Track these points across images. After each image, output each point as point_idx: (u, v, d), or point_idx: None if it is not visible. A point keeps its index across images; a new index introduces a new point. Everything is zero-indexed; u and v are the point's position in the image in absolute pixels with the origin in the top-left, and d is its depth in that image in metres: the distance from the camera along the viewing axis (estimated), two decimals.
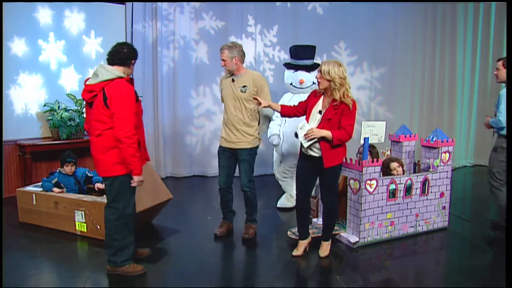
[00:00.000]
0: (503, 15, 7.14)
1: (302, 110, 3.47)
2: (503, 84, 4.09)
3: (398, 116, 7.13)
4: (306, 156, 3.36)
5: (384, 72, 7.11)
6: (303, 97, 4.43)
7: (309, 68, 4.82)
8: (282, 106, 3.61)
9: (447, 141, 4.07)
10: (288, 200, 5.02)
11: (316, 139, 3.22)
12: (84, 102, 3.18)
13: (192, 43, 6.40)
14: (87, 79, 3.04)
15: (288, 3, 6.62)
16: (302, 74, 4.83)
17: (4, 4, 4.93)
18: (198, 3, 6.31)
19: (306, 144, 3.26)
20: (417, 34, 7.17)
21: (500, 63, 4.04)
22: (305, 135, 3.23)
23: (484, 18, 7.32)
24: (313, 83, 4.74)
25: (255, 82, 3.72)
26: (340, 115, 3.19)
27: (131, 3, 6.07)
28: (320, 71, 3.22)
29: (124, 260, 3.11)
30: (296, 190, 3.50)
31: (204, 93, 6.56)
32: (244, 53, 3.78)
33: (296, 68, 4.87)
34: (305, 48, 4.94)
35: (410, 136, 4.36)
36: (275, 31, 6.64)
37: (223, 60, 3.70)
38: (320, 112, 3.29)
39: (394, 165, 3.99)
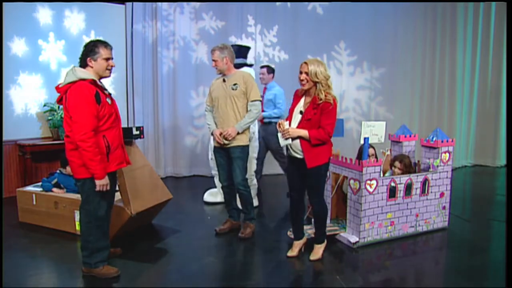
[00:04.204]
0: (503, 15, 7.15)
1: None
2: (273, 85, 5.28)
3: (398, 116, 7.13)
4: (291, 157, 3.34)
5: (384, 72, 7.12)
6: None
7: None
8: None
9: (447, 141, 4.07)
10: (211, 194, 5.18)
11: (291, 139, 3.19)
12: None
13: (192, 43, 6.40)
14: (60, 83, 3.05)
15: (288, 3, 6.63)
16: None
17: (4, 4, 4.93)
18: (198, 3, 6.32)
19: (282, 143, 3.24)
20: (417, 34, 7.18)
21: (265, 70, 5.27)
22: (282, 134, 3.20)
23: (484, 18, 7.32)
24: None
25: (245, 79, 3.85)
26: (320, 114, 3.14)
27: (131, 3, 6.08)
28: (306, 72, 3.14)
29: (97, 261, 3.10)
30: (289, 190, 3.51)
31: (204, 94, 6.55)
32: (234, 54, 3.93)
33: None
34: (232, 47, 5.01)
35: (410, 136, 4.36)
36: (275, 31, 6.64)
37: (214, 60, 3.85)
38: (301, 112, 3.25)
39: (396, 163, 4.03)
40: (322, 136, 3.14)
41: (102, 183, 2.92)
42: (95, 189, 2.94)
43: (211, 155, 5.03)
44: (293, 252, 3.52)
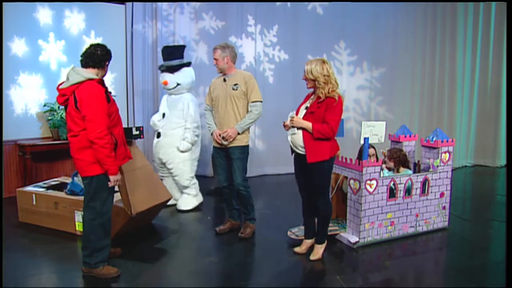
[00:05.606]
0: (503, 15, 7.15)
1: None
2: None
3: (398, 116, 7.13)
4: (295, 154, 3.38)
5: (384, 72, 7.12)
6: (174, 98, 4.78)
7: (172, 69, 4.82)
8: None
9: (447, 141, 4.07)
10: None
11: (295, 129, 3.24)
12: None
13: (192, 43, 6.40)
14: (61, 84, 3.07)
15: (288, 3, 6.62)
16: (165, 76, 4.84)
17: (4, 4, 4.93)
18: (198, 3, 6.31)
19: (288, 131, 3.31)
20: (417, 34, 7.18)
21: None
22: (290, 121, 3.26)
23: (484, 18, 7.32)
24: (178, 84, 4.80)
25: (246, 79, 3.86)
26: (324, 110, 3.17)
27: (131, 3, 6.07)
28: (304, 71, 3.24)
29: (97, 261, 3.11)
30: (298, 189, 3.53)
31: (204, 93, 6.54)
32: (236, 54, 3.94)
33: (161, 69, 4.94)
34: (168, 48, 4.94)
35: (410, 136, 4.36)
36: (275, 31, 6.64)
37: (215, 59, 3.87)
38: (306, 107, 3.31)
39: (387, 161, 4.10)
40: (325, 131, 3.16)
41: (116, 178, 3.03)
42: (108, 184, 3.02)
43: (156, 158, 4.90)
44: (301, 248, 3.56)
